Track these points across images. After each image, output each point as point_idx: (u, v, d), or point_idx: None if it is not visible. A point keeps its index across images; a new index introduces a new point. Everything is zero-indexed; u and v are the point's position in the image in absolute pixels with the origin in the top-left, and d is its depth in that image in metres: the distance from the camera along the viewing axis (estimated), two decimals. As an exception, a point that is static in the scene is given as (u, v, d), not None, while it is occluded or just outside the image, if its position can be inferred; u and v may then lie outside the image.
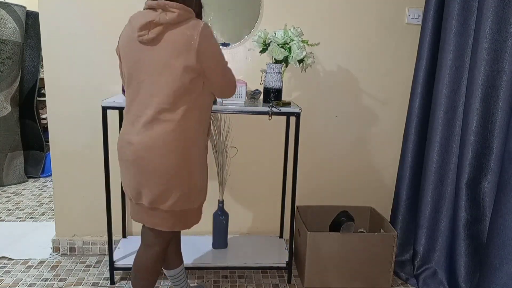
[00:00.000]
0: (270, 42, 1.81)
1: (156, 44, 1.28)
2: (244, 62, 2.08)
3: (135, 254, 1.52)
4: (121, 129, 1.41)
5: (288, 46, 1.80)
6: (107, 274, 1.99)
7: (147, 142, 1.30)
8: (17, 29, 3.12)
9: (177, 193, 1.35)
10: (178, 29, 1.27)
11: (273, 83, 1.85)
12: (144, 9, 1.36)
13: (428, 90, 2.00)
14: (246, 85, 1.84)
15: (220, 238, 2.10)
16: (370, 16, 2.08)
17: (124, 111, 1.41)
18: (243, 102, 1.82)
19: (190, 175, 1.37)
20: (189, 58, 1.26)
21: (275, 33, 1.81)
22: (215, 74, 1.34)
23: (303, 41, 1.82)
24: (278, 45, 1.79)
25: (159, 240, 1.47)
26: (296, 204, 2.02)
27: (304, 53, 1.80)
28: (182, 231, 2.26)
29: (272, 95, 1.86)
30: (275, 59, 1.83)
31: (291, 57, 1.80)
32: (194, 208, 1.45)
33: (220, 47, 2.02)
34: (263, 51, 1.87)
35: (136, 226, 2.23)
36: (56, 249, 2.21)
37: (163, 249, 1.49)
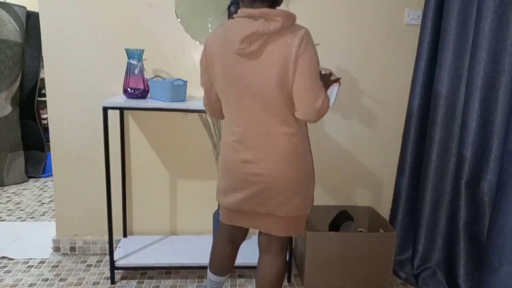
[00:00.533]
0: None
1: (259, 57, 1.21)
2: (244, 62, 2.08)
3: (258, 266, 1.51)
4: (224, 147, 1.37)
5: None
6: (108, 274, 2.00)
7: (268, 159, 1.29)
8: (18, 29, 3.12)
9: (295, 201, 1.34)
10: (280, 38, 1.19)
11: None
12: (238, 17, 1.24)
13: (427, 90, 2.01)
14: None
15: (220, 238, 2.10)
16: (370, 16, 2.08)
17: (225, 127, 1.37)
18: None
19: (308, 183, 1.38)
20: (287, 69, 1.20)
21: None
22: (302, 87, 1.23)
23: None
24: None
25: (282, 244, 1.46)
26: (296, 204, 2.02)
27: None
28: (183, 230, 2.28)
29: None
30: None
31: None
32: (306, 214, 1.42)
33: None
34: None
35: (136, 226, 2.23)
36: (56, 249, 2.22)
37: (286, 255, 1.51)
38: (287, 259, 2.00)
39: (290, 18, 1.21)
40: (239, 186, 1.35)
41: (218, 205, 2.09)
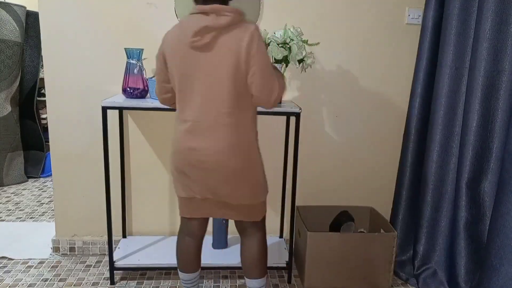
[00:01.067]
0: (270, 42, 1.81)
1: (210, 50, 1.30)
2: (244, 62, 2.08)
3: (241, 249, 1.59)
4: (177, 135, 1.41)
5: (288, 46, 1.80)
6: (107, 274, 1.99)
7: (212, 147, 1.35)
8: (17, 29, 3.12)
9: (244, 190, 1.42)
10: (231, 32, 1.29)
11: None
12: (193, 13, 1.33)
13: (428, 90, 2.00)
14: None
15: (220, 238, 2.10)
16: (370, 16, 2.08)
17: (176, 116, 1.42)
18: None
19: (255, 171, 1.44)
20: (240, 62, 1.29)
21: (274, 33, 1.81)
22: (257, 78, 1.32)
23: (302, 41, 1.82)
24: (278, 44, 1.79)
25: (256, 227, 1.56)
26: (296, 204, 2.02)
27: (304, 53, 1.80)
28: (182, 231, 2.27)
29: None
30: (274, 59, 1.83)
31: (290, 56, 1.80)
32: (260, 201, 1.52)
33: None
34: None
35: (136, 227, 2.23)
36: (56, 249, 2.21)
37: (263, 235, 1.61)
38: (287, 259, 2.00)
39: (239, 14, 1.31)
40: (187, 173, 1.40)
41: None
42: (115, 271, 1.94)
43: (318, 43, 1.98)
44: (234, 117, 1.35)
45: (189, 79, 1.34)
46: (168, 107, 1.57)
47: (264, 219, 1.61)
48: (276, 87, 1.36)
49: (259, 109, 1.77)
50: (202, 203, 1.46)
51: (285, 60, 1.82)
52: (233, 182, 1.39)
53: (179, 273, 1.61)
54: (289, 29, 1.81)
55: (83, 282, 1.96)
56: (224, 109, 1.33)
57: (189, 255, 1.58)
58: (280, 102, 1.89)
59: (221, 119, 1.33)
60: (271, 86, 1.35)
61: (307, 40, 1.88)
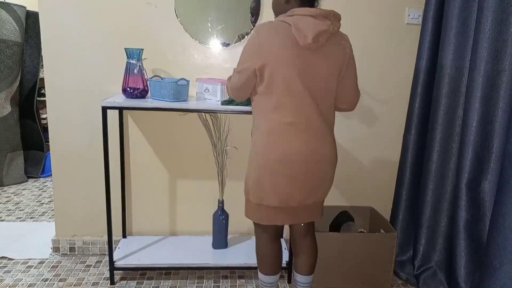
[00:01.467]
0: None
1: (322, 53, 1.35)
2: (244, 62, 2.08)
3: (299, 251, 1.64)
4: (284, 134, 1.37)
5: None
6: (107, 274, 1.99)
7: (325, 147, 1.41)
8: (17, 29, 3.12)
9: (331, 183, 1.51)
10: (336, 38, 1.38)
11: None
12: (302, 15, 1.32)
13: (428, 90, 2.00)
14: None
15: (220, 238, 2.10)
16: (370, 16, 2.08)
17: (278, 116, 1.37)
18: (219, 101, 1.82)
19: (334, 169, 1.51)
20: (342, 68, 1.39)
21: None
22: (352, 83, 1.47)
23: None
24: None
25: (314, 227, 1.65)
26: (296, 204, 2.01)
27: None
28: (182, 231, 2.28)
29: None
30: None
31: None
32: None
33: (221, 47, 2.02)
34: None
35: (136, 227, 2.23)
36: (56, 249, 2.21)
37: None
38: (287, 259, 2.00)
39: (340, 21, 1.40)
40: (299, 179, 1.40)
41: (218, 205, 2.09)
42: (115, 271, 1.93)
43: None
44: (333, 117, 1.46)
45: (300, 81, 1.34)
46: (238, 100, 1.56)
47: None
48: (359, 93, 1.52)
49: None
50: (293, 210, 1.47)
51: None
52: (331, 178, 1.48)
53: (264, 277, 1.60)
54: None
55: (83, 282, 1.96)
56: (330, 110, 1.43)
57: (278, 258, 1.60)
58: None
59: (327, 119, 1.42)
60: (357, 91, 1.51)
61: None
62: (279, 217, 1.47)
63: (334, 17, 1.35)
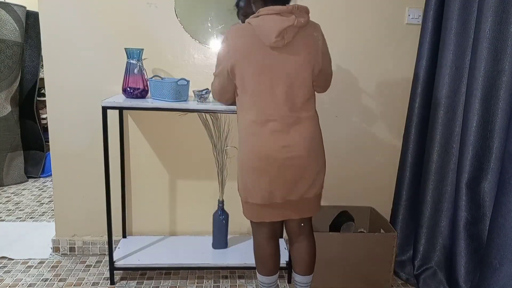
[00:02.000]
0: None
1: (291, 48, 1.36)
2: (244, 62, 2.08)
3: (294, 251, 1.62)
4: (256, 137, 1.41)
5: None
6: (107, 274, 1.99)
7: (301, 142, 1.41)
8: (17, 29, 3.12)
9: (320, 179, 1.50)
10: (306, 31, 1.38)
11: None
12: (266, 14, 1.34)
13: (428, 90, 2.00)
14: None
15: (220, 238, 2.10)
16: (370, 16, 2.08)
17: (250, 116, 1.42)
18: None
19: (324, 162, 1.53)
20: (317, 59, 1.40)
21: None
22: (328, 71, 1.51)
23: None
24: None
25: (310, 225, 1.62)
26: (296, 204, 2.01)
27: None
28: (182, 231, 2.28)
29: None
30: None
31: None
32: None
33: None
34: None
35: (136, 227, 2.23)
36: (56, 249, 2.21)
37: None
38: (287, 259, 2.00)
39: (309, 13, 1.40)
40: (275, 175, 1.41)
41: (218, 205, 2.09)
42: (115, 271, 1.93)
43: None
44: (312, 111, 1.46)
45: (269, 78, 1.37)
46: (224, 104, 1.65)
47: None
48: (331, 78, 1.57)
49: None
50: (279, 207, 1.47)
51: None
52: (315, 173, 1.46)
53: (262, 277, 1.60)
54: None
55: (83, 282, 1.96)
56: (305, 104, 1.42)
57: (274, 258, 1.59)
58: None
59: (304, 114, 1.42)
60: (330, 78, 1.56)
61: None
62: (266, 213, 1.49)
63: (299, 11, 1.35)
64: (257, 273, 1.63)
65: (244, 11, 1.81)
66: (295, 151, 1.40)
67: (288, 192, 1.44)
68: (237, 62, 1.38)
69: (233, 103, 1.59)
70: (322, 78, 1.49)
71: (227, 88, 1.49)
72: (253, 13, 1.41)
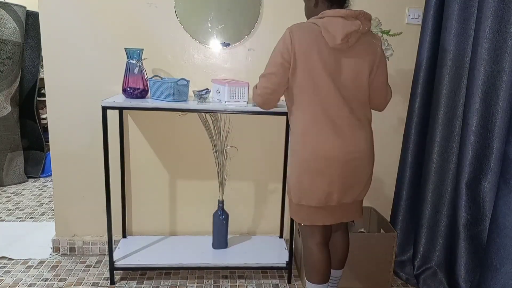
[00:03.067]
0: None
1: (351, 52, 1.38)
2: (244, 62, 2.08)
3: (333, 244, 1.63)
4: (318, 133, 1.39)
5: None
6: (107, 274, 1.99)
7: (362, 145, 1.43)
8: (17, 29, 3.12)
9: (370, 183, 1.53)
10: (366, 37, 1.41)
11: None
12: (332, 16, 1.35)
13: (428, 90, 2.00)
14: (249, 86, 1.84)
15: (220, 238, 2.10)
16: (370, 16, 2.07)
17: (309, 115, 1.39)
18: (246, 103, 1.82)
19: (372, 167, 1.53)
20: (373, 66, 1.42)
21: None
22: (383, 81, 1.48)
23: (383, 32, 1.76)
24: None
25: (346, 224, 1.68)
26: (296, 204, 2.01)
27: (386, 44, 1.74)
28: (182, 231, 2.28)
29: None
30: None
31: None
32: None
33: (221, 47, 2.02)
34: None
35: (136, 227, 2.23)
36: (56, 249, 2.21)
37: None
38: (287, 259, 2.00)
39: (371, 21, 1.44)
40: (336, 177, 1.41)
41: (218, 205, 2.09)
42: (115, 271, 1.93)
43: (401, 33, 1.91)
44: (369, 115, 1.49)
45: (331, 80, 1.36)
46: (265, 110, 1.56)
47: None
48: (391, 92, 1.55)
49: (259, 108, 1.79)
50: (335, 209, 1.47)
51: None
52: (368, 177, 1.49)
53: (314, 286, 1.54)
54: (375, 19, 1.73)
55: (83, 282, 1.96)
56: (363, 108, 1.44)
57: (329, 263, 1.55)
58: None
59: (363, 117, 1.44)
60: (389, 90, 1.53)
61: (389, 31, 1.81)
62: (319, 216, 1.47)
63: (364, 17, 1.38)
64: (306, 282, 1.57)
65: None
66: (357, 153, 1.41)
67: (345, 194, 1.44)
68: (300, 59, 1.35)
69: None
70: (376, 88, 1.47)
71: (281, 89, 1.43)
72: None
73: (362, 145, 1.43)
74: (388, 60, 1.86)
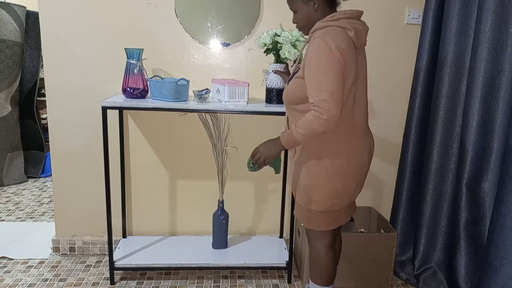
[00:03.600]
0: (277, 42, 1.79)
1: (363, 52, 1.43)
2: (244, 62, 2.08)
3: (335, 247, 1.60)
4: (358, 136, 1.43)
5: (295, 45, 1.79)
6: (107, 274, 1.99)
7: (373, 148, 1.50)
8: (17, 29, 3.12)
9: None
10: None
11: (276, 84, 1.85)
12: (348, 17, 1.34)
13: (428, 90, 2.00)
14: (248, 86, 1.83)
15: (220, 238, 2.10)
16: (370, 16, 2.07)
17: (350, 120, 1.37)
18: (246, 103, 1.82)
19: None
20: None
21: (277, 34, 1.80)
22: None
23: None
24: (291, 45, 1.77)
25: None
26: (296, 204, 2.01)
27: None
28: (182, 231, 2.28)
29: (275, 95, 1.86)
30: (277, 59, 1.83)
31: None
32: None
33: (221, 47, 2.01)
34: (268, 51, 1.84)
35: (136, 227, 2.23)
36: (56, 249, 2.21)
37: None
38: (287, 259, 2.00)
39: None
40: (362, 175, 1.49)
41: (218, 205, 2.09)
42: (115, 271, 1.93)
43: None
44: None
45: (359, 80, 1.38)
46: (324, 130, 1.29)
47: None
48: None
49: (258, 108, 1.80)
50: (350, 206, 1.53)
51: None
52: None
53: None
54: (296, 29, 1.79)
55: (83, 282, 1.96)
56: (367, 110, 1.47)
57: (336, 266, 1.57)
58: None
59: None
60: None
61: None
62: (343, 216, 1.52)
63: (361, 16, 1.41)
64: (311, 283, 1.54)
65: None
66: (372, 152, 1.51)
67: (362, 186, 1.52)
68: (350, 67, 1.29)
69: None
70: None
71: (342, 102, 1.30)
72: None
73: (373, 146, 1.52)
74: None
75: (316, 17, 1.37)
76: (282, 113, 1.82)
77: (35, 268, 2.06)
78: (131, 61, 1.82)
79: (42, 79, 2.19)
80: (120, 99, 1.79)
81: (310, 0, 1.36)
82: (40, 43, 2.02)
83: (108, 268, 1.96)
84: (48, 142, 2.95)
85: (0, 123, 3.17)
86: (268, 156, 1.45)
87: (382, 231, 2.07)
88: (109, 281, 1.94)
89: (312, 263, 1.55)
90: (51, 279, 1.97)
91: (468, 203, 1.78)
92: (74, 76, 2.02)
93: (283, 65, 1.84)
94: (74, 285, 1.93)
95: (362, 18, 1.42)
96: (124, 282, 1.96)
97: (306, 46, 1.46)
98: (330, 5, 1.39)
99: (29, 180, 3.43)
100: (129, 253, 2.01)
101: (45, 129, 2.69)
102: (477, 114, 1.71)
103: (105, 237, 2.17)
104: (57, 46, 1.98)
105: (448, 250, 1.95)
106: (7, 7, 3.05)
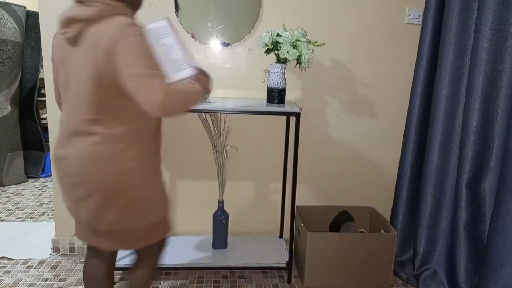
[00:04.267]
0: (277, 42, 1.80)
1: (77, 45, 1.12)
2: (244, 62, 2.08)
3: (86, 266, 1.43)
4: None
5: (296, 45, 1.79)
6: (107, 274, 1.99)
7: (74, 156, 1.16)
8: (17, 29, 3.12)
9: (111, 210, 1.19)
10: (97, 27, 1.09)
11: (277, 83, 1.85)
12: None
13: (428, 90, 2.00)
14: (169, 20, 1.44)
15: (220, 238, 2.10)
16: (371, 16, 2.08)
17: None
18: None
19: (129, 191, 1.19)
20: (100, 61, 1.08)
21: (279, 34, 1.80)
22: (126, 78, 1.08)
23: (310, 42, 1.82)
24: (290, 45, 1.78)
25: (148, 258, 1.45)
26: (296, 204, 2.02)
27: (312, 54, 1.81)
28: (182, 231, 2.27)
29: (276, 95, 1.86)
30: (278, 59, 1.83)
31: (302, 56, 1.79)
32: (140, 227, 1.27)
33: (221, 47, 2.01)
34: (268, 51, 1.85)
35: (136, 226, 2.22)
36: (56, 249, 2.21)
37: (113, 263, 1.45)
38: (287, 259, 2.00)
39: (113, 6, 1.11)
40: (62, 187, 1.25)
41: (218, 205, 2.09)
42: (114, 271, 1.93)
43: (324, 44, 1.96)
44: (102, 126, 1.13)
45: (65, 77, 1.17)
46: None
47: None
48: (156, 91, 1.06)
49: (259, 108, 1.79)
50: (81, 228, 1.30)
51: (298, 60, 1.82)
52: (96, 199, 1.18)
53: None
54: (297, 29, 1.81)
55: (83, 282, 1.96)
56: (85, 115, 1.13)
57: (92, 282, 1.41)
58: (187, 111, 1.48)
59: (83, 126, 1.14)
60: (147, 89, 1.07)
61: (316, 41, 1.87)
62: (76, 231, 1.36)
63: (87, 1, 1.16)
64: None
65: None
66: (69, 166, 1.22)
67: (75, 209, 1.35)
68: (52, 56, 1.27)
69: None
70: (128, 90, 1.13)
71: None
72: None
73: (81, 156, 1.19)
74: (309, 66, 1.90)
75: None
76: (283, 113, 1.83)
77: (35, 268, 2.06)
78: (131, 61, 1.81)
79: (42, 79, 2.19)
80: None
81: None
82: (40, 43, 2.02)
83: (108, 268, 1.96)
84: (48, 142, 2.95)
85: (0, 123, 3.18)
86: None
87: (382, 231, 2.07)
88: (109, 281, 1.93)
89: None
90: (51, 279, 1.97)
91: (468, 203, 1.78)
92: (74, 76, 2.02)
93: (284, 65, 1.84)
94: (74, 285, 1.93)
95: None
96: (124, 282, 1.96)
97: None
98: None
99: (29, 180, 3.43)
100: (129, 253, 2.00)
101: (45, 129, 2.68)
102: (477, 114, 1.71)
103: (105, 237, 2.16)
104: (57, 46, 1.98)
105: (448, 250, 1.95)
106: (7, 7, 3.05)
